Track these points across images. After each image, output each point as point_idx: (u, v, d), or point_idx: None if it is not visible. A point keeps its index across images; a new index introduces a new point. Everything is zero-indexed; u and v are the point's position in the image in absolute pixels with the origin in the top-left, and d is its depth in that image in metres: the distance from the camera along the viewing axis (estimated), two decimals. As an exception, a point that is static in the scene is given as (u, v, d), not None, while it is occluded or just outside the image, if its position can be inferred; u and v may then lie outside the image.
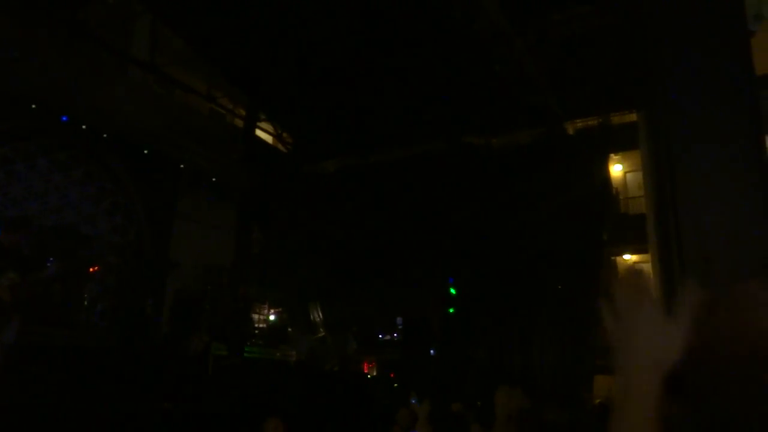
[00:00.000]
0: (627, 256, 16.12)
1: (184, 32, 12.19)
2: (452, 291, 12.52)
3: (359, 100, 12.07)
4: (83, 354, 7.60)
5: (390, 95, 11.78)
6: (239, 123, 14.19)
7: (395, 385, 10.50)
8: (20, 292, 5.89)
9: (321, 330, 12.43)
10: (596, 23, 10.19)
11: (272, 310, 12.08)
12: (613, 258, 15.72)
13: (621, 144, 13.88)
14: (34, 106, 8.76)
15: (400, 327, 12.12)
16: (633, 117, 12.87)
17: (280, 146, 14.98)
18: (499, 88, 10.86)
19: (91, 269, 9.18)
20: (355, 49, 10.86)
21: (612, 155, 14.16)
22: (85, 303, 9.00)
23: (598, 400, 9.30)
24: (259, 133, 14.56)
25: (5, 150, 8.84)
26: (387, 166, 13.17)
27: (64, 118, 9.26)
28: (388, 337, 12.30)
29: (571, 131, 12.77)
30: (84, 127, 9.56)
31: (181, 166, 11.23)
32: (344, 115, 12.59)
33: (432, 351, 11.55)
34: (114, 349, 8.38)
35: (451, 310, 12.26)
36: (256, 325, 11.42)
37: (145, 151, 10.57)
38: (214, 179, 11.85)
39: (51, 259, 7.97)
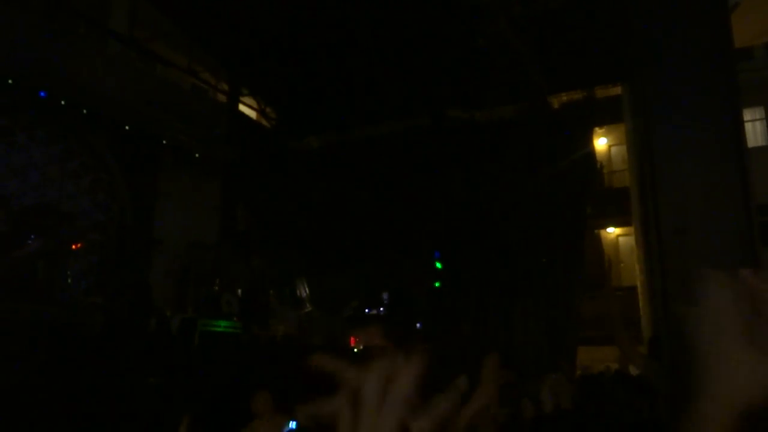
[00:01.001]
0: (611, 229, 16.31)
1: (164, 5, 11.98)
2: (438, 265, 12.59)
3: (342, 75, 11.98)
4: (68, 331, 7.59)
5: (373, 70, 11.70)
6: (222, 98, 14.03)
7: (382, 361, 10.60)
8: (1, 270, 5.86)
9: (308, 305, 12.48)
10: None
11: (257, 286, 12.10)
12: (596, 231, 15.89)
13: (606, 117, 13.94)
14: (10, 81, 8.60)
15: (386, 302, 12.19)
16: (618, 90, 12.90)
17: (263, 122, 14.87)
18: (482, 62, 10.82)
19: (73, 246, 9.12)
20: (337, 23, 10.75)
21: (597, 129, 14.21)
22: (69, 280, 8.95)
23: (579, 372, 9.47)
24: (242, 108, 14.42)
25: (-18, 127, 8.70)
26: (371, 142, 13.14)
27: (42, 94, 9.10)
28: (374, 312, 12.37)
29: (555, 105, 12.77)
30: (63, 102, 9.40)
31: (164, 142, 11.11)
32: (328, 91, 12.50)
33: (418, 325, 11.66)
34: (98, 326, 8.37)
35: (437, 284, 12.36)
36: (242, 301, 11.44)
37: (127, 127, 10.43)
38: (197, 155, 11.75)
39: (33, 236, 7.90)
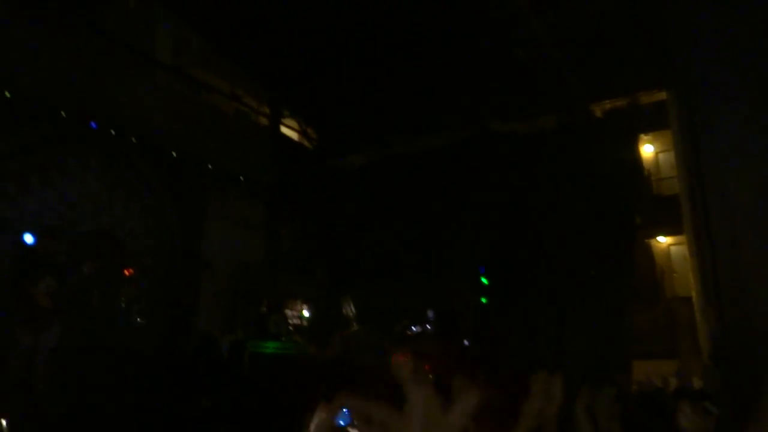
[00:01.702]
0: (661, 239, 15.83)
1: (206, 33, 12.31)
2: (484, 280, 12.43)
3: (381, 92, 12.04)
4: (123, 355, 7.77)
5: (412, 85, 11.73)
6: (264, 121, 14.27)
7: (430, 377, 10.48)
8: (58, 298, 6.05)
9: (354, 324, 12.47)
10: (619, 2, 10.00)
11: (305, 306, 12.17)
12: (647, 241, 15.45)
13: (651, 124, 13.61)
14: (63, 113, 8.94)
15: (431, 319, 12.07)
16: (663, 95, 12.60)
17: (305, 142, 15.04)
18: (521, 73, 10.73)
19: (126, 272, 9.35)
20: (374, 40, 10.83)
21: (642, 135, 13.87)
22: (123, 305, 9.18)
23: (635, 387, 9.18)
24: (283, 130, 14.63)
25: (39, 158, 9.03)
26: (412, 157, 13.13)
27: (93, 125, 9.42)
28: (420, 330, 12.27)
29: (598, 113, 12.55)
30: (113, 132, 9.72)
31: (209, 166, 11.35)
32: (367, 108, 12.58)
33: (466, 342, 11.50)
34: (152, 349, 8.55)
35: (484, 300, 12.19)
36: (290, 321, 11.51)
37: (174, 153, 10.71)
38: (241, 178, 11.96)
39: (87, 263, 8.14)
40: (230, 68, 13.10)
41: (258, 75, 13.42)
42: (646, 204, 14.03)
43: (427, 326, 11.95)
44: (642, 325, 11.74)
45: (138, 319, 9.39)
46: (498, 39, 10.14)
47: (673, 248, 15.64)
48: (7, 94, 8.19)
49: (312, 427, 2.73)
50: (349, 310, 12.46)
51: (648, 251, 15.52)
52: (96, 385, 6.51)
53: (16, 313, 5.92)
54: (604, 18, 10.32)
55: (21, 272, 6.17)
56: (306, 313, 12.05)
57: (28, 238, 7.12)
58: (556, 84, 11.10)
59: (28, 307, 5.87)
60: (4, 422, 4.78)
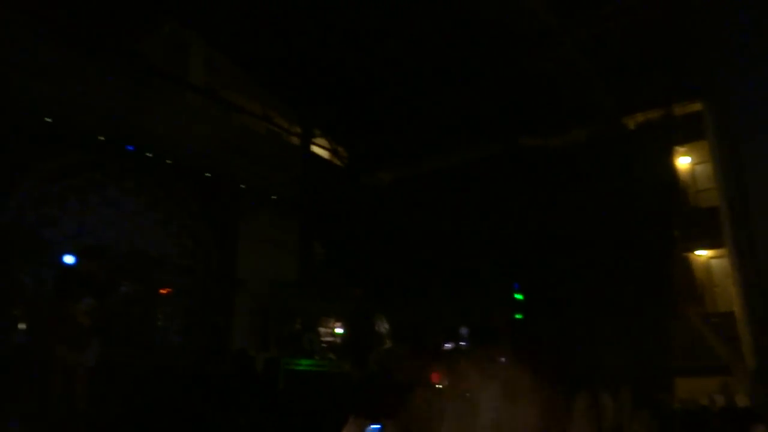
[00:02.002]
0: (701, 252, 15.43)
1: (237, 56, 12.54)
2: (518, 296, 12.27)
3: (411, 109, 12.08)
4: (160, 373, 7.85)
5: (441, 102, 11.75)
6: (295, 141, 14.42)
7: (466, 394, 10.34)
8: (98, 317, 6.15)
9: (387, 341, 12.40)
10: (649, 14, 9.89)
11: (338, 323, 12.16)
12: (686, 254, 15.08)
13: (686, 135, 13.36)
14: (101, 138, 9.17)
15: (464, 335, 11.93)
16: (698, 106, 12.40)
17: (336, 160, 15.15)
18: (551, 87, 10.66)
19: (163, 291, 9.48)
20: (404, 58, 10.89)
21: (678, 147, 13.60)
22: (160, 323, 9.30)
23: (677, 405, 8.91)
24: (314, 149, 14.76)
25: (78, 181, 9.26)
26: (443, 173, 13.11)
27: (130, 148, 9.64)
28: (455, 346, 12.14)
29: (631, 125, 12.37)
30: (149, 155, 9.93)
31: (242, 186, 11.49)
32: (397, 125, 12.62)
33: (502, 359, 11.33)
34: (189, 367, 8.62)
35: (518, 316, 12.01)
36: (324, 339, 11.51)
37: (207, 174, 10.88)
38: (273, 197, 12.08)
39: (126, 283, 8.29)
40: (261, 90, 13.31)
41: (288, 96, 13.60)
42: (684, 217, 13.72)
43: (462, 343, 11.83)
44: (683, 340, 11.41)
45: (174, 338, 9.51)
46: (527, 55, 10.10)
47: (713, 261, 15.24)
48: (48, 120, 8.45)
49: None
50: (383, 327, 12.41)
51: (687, 265, 15.14)
52: (134, 402, 6.58)
53: (58, 333, 6.03)
54: (636, 30, 10.21)
55: (62, 293, 6.30)
56: (339, 331, 12.04)
57: (69, 259, 7.29)
58: (587, 98, 11.00)
59: (69, 326, 5.98)
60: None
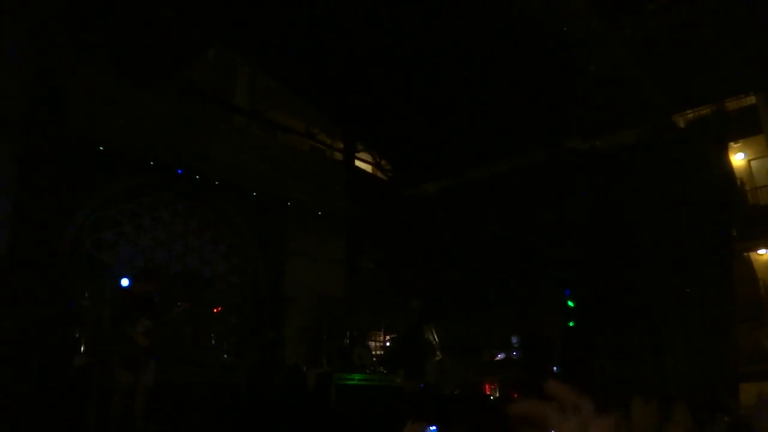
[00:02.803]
0: (762, 251, 14.81)
1: (281, 77, 12.78)
2: (570, 303, 12.00)
3: (454, 117, 12.04)
4: (214, 391, 8.00)
5: (485, 108, 11.66)
6: (339, 156, 14.58)
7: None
8: (155, 337, 6.32)
9: (438, 353, 12.31)
10: (696, 7, 9.60)
11: (388, 337, 12.16)
12: (746, 254, 14.50)
13: (741, 130, 12.89)
14: (152, 163, 9.47)
15: (515, 345, 11.74)
16: (752, 100, 11.95)
17: (379, 174, 15.22)
18: (597, 88, 10.45)
19: (215, 310, 9.67)
20: (446, 64, 10.86)
21: (732, 144, 13.12)
22: (213, 342, 9.48)
23: (743, 412, 8.49)
24: (358, 163, 14.88)
25: (132, 206, 9.59)
26: (489, 182, 12.99)
27: (180, 171, 9.92)
28: (507, 357, 11.96)
29: (682, 123, 12.01)
30: (197, 177, 10.19)
31: (288, 203, 11.66)
32: (440, 135, 12.58)
33: (555, 368, 11.10)
34: (242, 385, 8.74)
35: (571, 324, 11.75)
36: (374, 352, 11.52)
37: (254, 193, 11.09)
38: (319, 213, 12.20)
39: (179, 303, 8.48)
40: (304, 107, 13.53)
41: (331, 112, 13.77)
42: (743, 216, 13.19)
43: (514, 353, 11.64)
44: (748, 344, 10.92)
45: (227, 356, 9.67)
46: (571, 57, 9.94)
47: (776, 261, 14.60)
48: (101, 148, 8.78)
49: None
50: (434, 338, 12.33)
51: (749, 265, 14.54)
52: (191, 420, 6.72)
53: (117, 354, 6.22)
54: (684, 24, 9.93)
55: (120, 315, 6.51)
56: (389, 344, 12.02)
57: (125, 282, 7.53)
58: (634, 97, 10.74)
59: (128, 347, 6.16)
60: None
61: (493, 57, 10.30)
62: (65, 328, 7.74)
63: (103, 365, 6.49)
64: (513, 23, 9.37)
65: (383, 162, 15.09)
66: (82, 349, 7.66)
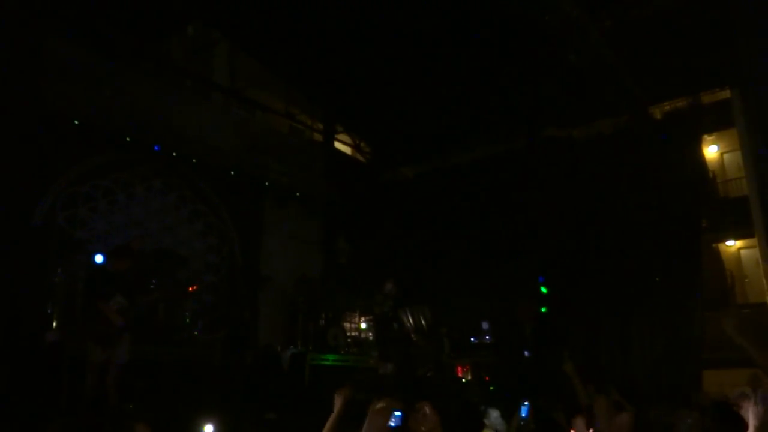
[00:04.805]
0: (730, 242, 15.16)
1: (261, 55, 12.64)
2: (543, 290, 12.19)
3: (433, 103, 12.06)
4: (187, 368, 8.02)
5: (465, 94, 11.70)
6: (318, 137, 14.52)
7: (491, 388, 10.34)
8: (128, 315, 6.30)
9: (413, 335, 12.43)
10: (674, 1, 9.72)
11: (363, 318, 12.24)
12: (715, 245, 14.83)
13: (715, 123, 13.10)
14: (128, 139, 9.36)
15: (487, 329, 11.91)
16: (726, 94, 12.13)
17: (359, 156, 15.20)
18: (575, 78, 10.54)
19: (190, 288, 9.66)
20: (425, 51, 10.86)
21: (705, 136, 13.35)
22: (187, 320, 9.47)
23: (710, 399, 8.76)
24: (337, 145, 14.84)
25: (107, 182, 9.47)
26: (467, 167, 13.07)
27: (156, 148, 9.82)
28: (478, 341, 12.13)
29: (658, 115, 12.17)
30: (174, 154, 10.10)
31: (266, 183, 11.62)
32: (420, 119, 12.60)
33: (525, 352, 11.30)
34: (215, 363, 8.78)
35: (544, 310, 11.95)
36: (348, 334, 11.60)
37: (232, 172, 11.02)
38: (297, 194, 12.19)
39: (154, 281, 8.45)
40: (283, 87, 13.42)
41: (311, 93, 13.68)
42: (713, 207, 13.48)
43: (486, 337, 11.82)
44: (714, 332, 11.22)
45: (201, 334, 9.68)
46: (551, 46, 10.00)
47: (743, 252, 14.96)
48: (76, 122, 8.64)
49: (365, 427, 2.77)
50: (408, 321, 12.45)
51: (716, 256, 14.89)
52: (163, 399, 6.73)
53: (90, 331, 6.20)
54: (662, 16, 10.04)
55: (93, 291, 6.47)
56: (363, 326, 12.12)
57: (98, 258, 7.47)
58: (612, 87, 10.85)
59: (101, 324, 6.14)
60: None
61: (475, 44, 10.33)
62: (37, 304, 7.68)
63: (75, 342, 6.47)
64: (495, 11, 9.39)
65: (362, 144, 15.07)
66: (54, 324, 7.61)
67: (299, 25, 10.72)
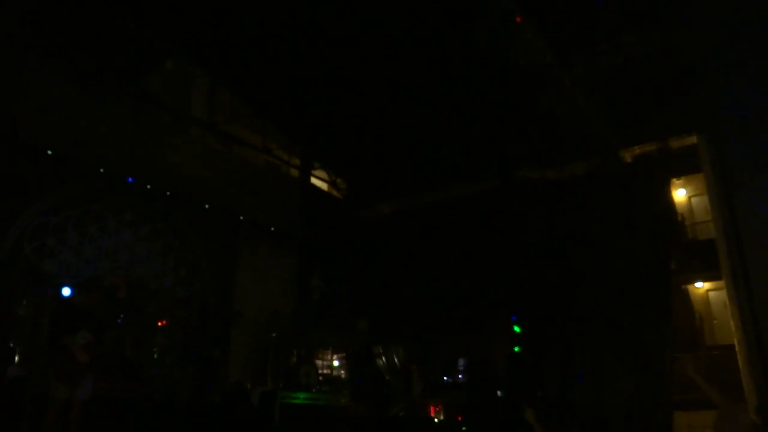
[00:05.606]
0: (699, 284, 15.41)
1: (239, 90, 12.71)
2: (516, 329, 12.22)
3: (410, 142, 12.21)
4: (155, 406, 7.80)
5: (441, 135, 11.87)
6: (294, 173, 14.53)
7: (463, 428, 10.24)
8: (94, 351, 6.13)
9: (386, 374, 12.31)
10: (644, 50, 10.08)
11: (335, 356, 12.11)
12: (684, 287, 15.06)
13: (683, 168, 13.45)
14: (102, 170, 9.27)
15: (461, 369, 11.86)
16: (693, 139, 12.51)
17: (335, 192, 15.23)
18: (549, 121, 10.80)
19: (159, 323, 9.47)
20: (402, 90, 11.04)
21: (674, 180, 13.70)
22: (155, 356, 9.26)
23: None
24: (314, 181, 14.86)
25: (78, 213, 9.33)
26: (442, 206, 13.17)
27: (130, 180, 9.74)
28: (452, 380, 12.06)
29: (628, 158, 12.47)
30: (149, 186, 10.02)
31: (241, 218, 11.56)
32: (396, 157, 12.73)
33: (499, 392, 11.25)
34: (184, 400, 8.56)
35: (516, 349, 11.96)
36: (321, 371, 11.44)
37: (206, 206, 10.95)
38: (272, 229, 12.13)
39: (122, 315, 8.28)
40: (261, 122, 13.46)
41: (289, 128, 13.74)
42: (681, 249, 13.73)
43: (459, 376, 11.75)
44: (683, 374, 11.32)
45: (170, 370, 9.45)
46: (524, 90, 10.26)
47: (711, 294, 15.21)
48: (49, 152, 8.55)
49: None
50: (382, 360, 12.34)
51: (686, 298, 15.10)
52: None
53: (53, 367, 6.01)
54: (632, 64, 10.40)
55: (59, 325, 6.29)
56: (336, 364, 11.98)
57: (66, 291, 7.31)
58: (584, 131, 11.13)
59: (65, 360, 5.95)
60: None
61: (451, 86, 10.54)
62: (-1, 338, 7.47)
63: (38, 378, 6.26)
64: (472, 54, 9.63)
65: (339, 180, 15.12)
66: (16, 359, 7.38)
67: (278, 62, 10.84)
